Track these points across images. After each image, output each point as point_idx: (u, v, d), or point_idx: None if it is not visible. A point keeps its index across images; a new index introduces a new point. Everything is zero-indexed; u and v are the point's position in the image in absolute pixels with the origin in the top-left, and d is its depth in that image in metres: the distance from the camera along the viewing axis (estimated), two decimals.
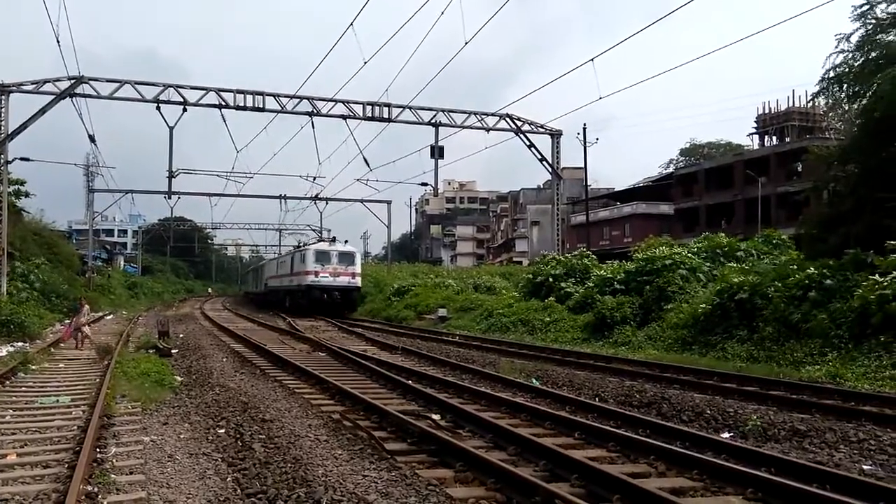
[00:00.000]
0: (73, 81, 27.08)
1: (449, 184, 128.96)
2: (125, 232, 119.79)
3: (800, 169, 50.50)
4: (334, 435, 8.41)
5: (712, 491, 6.36)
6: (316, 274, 38.09)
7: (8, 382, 12.64)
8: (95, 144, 38.17)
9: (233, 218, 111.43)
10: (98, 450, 7.58)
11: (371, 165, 34.62)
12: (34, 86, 27.20)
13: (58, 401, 10.83)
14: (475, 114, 32.57)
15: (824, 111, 42.88)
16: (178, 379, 13.38)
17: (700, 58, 61.32)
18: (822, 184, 22.82)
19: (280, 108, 29.75)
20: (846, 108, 23.44)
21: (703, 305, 18.91)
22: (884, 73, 18.86)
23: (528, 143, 33.83)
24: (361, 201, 51.39)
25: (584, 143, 45.35)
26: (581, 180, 54.14)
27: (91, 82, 27.57)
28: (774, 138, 60.31)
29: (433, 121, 31.81)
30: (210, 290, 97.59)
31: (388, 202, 54.14)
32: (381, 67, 21.25)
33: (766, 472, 6.54)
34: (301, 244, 47.53)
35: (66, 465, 6.99)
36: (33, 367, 14.69)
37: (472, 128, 32.57)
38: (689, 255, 24.10)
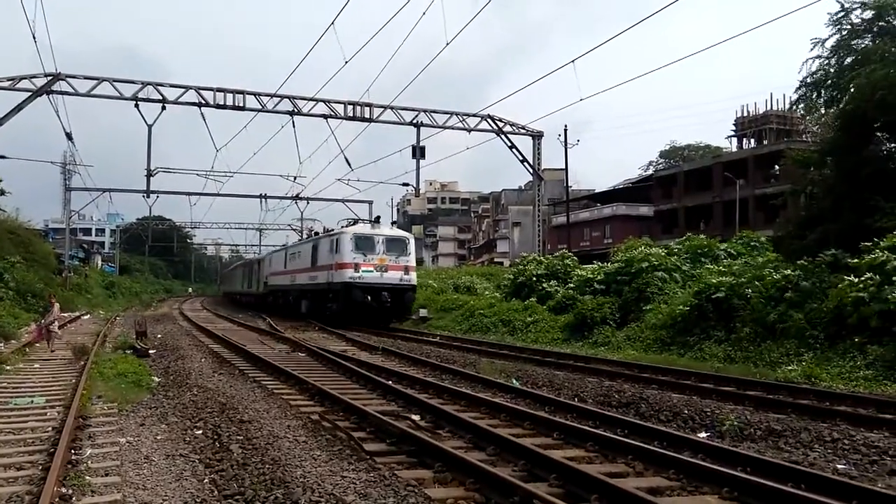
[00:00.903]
0: (49, 78, 26.76)
1: (430, 184, 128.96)
2: (103, 231, 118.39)
3: (777, 171, 51.15)
4: (313, 436, 8.37)
5: (689, 490, 6.41)
6: (356, 267, 27.36)
7: None
8: (73, 142, 37.69)
9: (212, 217, 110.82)
10: (73, 451, 7.49)
11: (352, 165, 34.54)
12: (10, 82, 26.84)
13: (32, 402, 10.67)
14: (457, 114, 32.64)
15: (802, 115, 43.48)
16: (156, 380, 13.25)
17: (679, 60, 61.94)
18: (799, 186, 23.17)
19: (261, 107, 29.61)
20: (823, 112, 23.82)
21: (682, 306, 19.09)
22: (857, 71, 19.18)
23: (509, 144, 33.96)
24: (342, 201, 51.14)
25: (566, 144, 45.52)
26: (562, 181, 54.37)
27: (68, 79, 27.26)
28: (753, 141, 60.96)
29: (415, 121, 31.82)
30: (190, 289, 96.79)
31: (370, 202, 53.93)
32: (363, 67, 21.23)
33: (742, 471, 6.61)
34: (325, 229, 35.45)
35: (40, 467, 6.90)
36: (7, 368, 14.46)
37: (453, 128, 32.64)
38: (668, 255, 24.30)
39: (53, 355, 17.03)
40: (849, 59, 20.73)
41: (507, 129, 33.46)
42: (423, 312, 31.44)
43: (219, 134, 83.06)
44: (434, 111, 32.25)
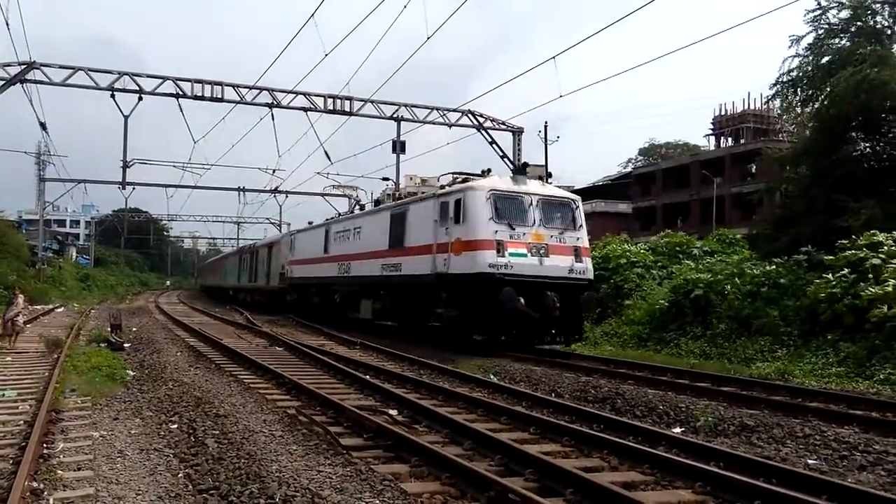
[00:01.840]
0: (24, 67, 26.26)
1: (411, 179, 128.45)
2: (78, 223, 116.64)
3: (754, 170, 51.74)
4: (289, 430, 8.34)
5: (663, 485, 6.47)
6: (500, 248, 16.28)
7: None
8: (47, 132, 37.14)
9: (189, 210, 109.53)
10: (45, 445, 7.38)
11: (332, 159, 34.33)
12: None
13: (3, 395, 10.51)
14: (437, 109, 32.55)
15: (778, 114, 43.98)
16: (131, 373, 13.10)
17: (659, 58, 62.37)
18: (775, 185, 23.46)
19: (239, 99, 29.31)
20: (799, 111, 24.12)
21: (660, 302, 19.26)
22: (836, 75, 19.44)
23: (489, 139, 33.94)
24: (322, 195, 50.87)
25: (545, 140, 45.59)
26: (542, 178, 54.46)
27: (43, 68, 26.76)
28: (730, 139, 61.60)
29: (395, 115, 31.69)
30: (168, 283, 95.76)
31: (349, 196, 53.74)
32: (344, 60, 21.11)
33: (716, 466, 6.70)
34: (395, 195, 25.25)
35: (11, 461, 6.79)
36: None
37: (433, 123, 32.56)
38: (646, 252, 24.50)
39: (26, 348, 16.71)
40: (825, 59, 21.00)
41: (488, 124, 33.42)
42: None
43: (196, 126, 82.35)
44: (415, 106, 32.15)
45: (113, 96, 27.62)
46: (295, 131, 34.14)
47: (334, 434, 7.99)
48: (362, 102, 30.80)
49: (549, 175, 25.22)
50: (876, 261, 14.82)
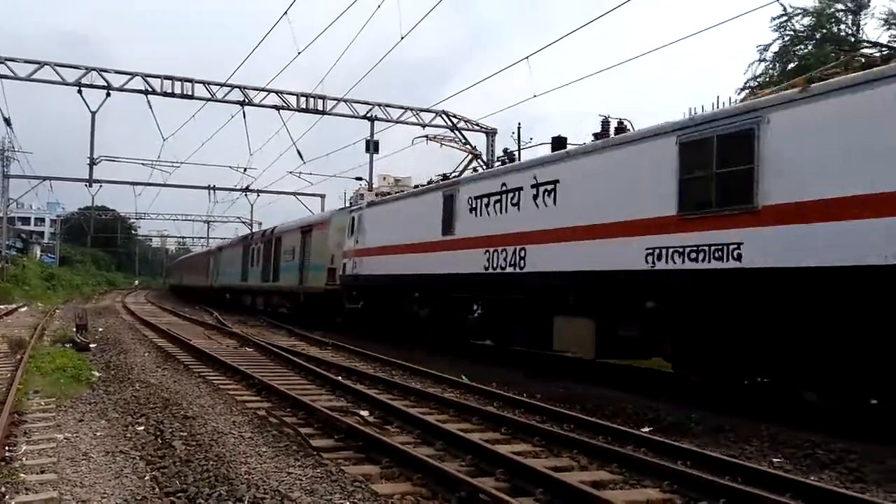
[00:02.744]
0: None
1: (384, 178, 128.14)
2: (42, 221, 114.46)
3: None
4: (259, 432, 8.26)
5: (631, 483, 6.54)
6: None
7: None
8: (11, 128, 36.42)
9: (158, 208, 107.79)
10: (6, 448, 7.22)
11: (305, 158, 34.16)
12: None
13: None
14: (411, 109, 32.61)
15: None
16: (97, 374, 12.88)
17: (631, 60, 62.98)
18: None
19: (210, 96, 29.05)
20: None
21: None
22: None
23: (463, 140, 34.02)
24: (294, 194, 50.52)
25: (518, 142, 45.68)
26: None
27: (7, 62, 26.28)
28: None
29: (369, 115, 31.68)
30: (136, 282, 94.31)
31: (322, 196, 53.40)
32: (317, 59, 21.02)
33: (683, 465, 6.80)
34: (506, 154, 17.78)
35: None
36: None
37: (407, 123, 32.60)
38: None
39: None
40: (792, 65, 21.42)
41: (462, 125, 33.55)
42: None
43: (166, 123, 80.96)
44: (389, 105, 32.17)
45: (80, 92, 27.24)
46: (267, 129, 33.77)
47: (305, 435, 7.94)
48: (335, 101, 30.72)
49: None
50: None
